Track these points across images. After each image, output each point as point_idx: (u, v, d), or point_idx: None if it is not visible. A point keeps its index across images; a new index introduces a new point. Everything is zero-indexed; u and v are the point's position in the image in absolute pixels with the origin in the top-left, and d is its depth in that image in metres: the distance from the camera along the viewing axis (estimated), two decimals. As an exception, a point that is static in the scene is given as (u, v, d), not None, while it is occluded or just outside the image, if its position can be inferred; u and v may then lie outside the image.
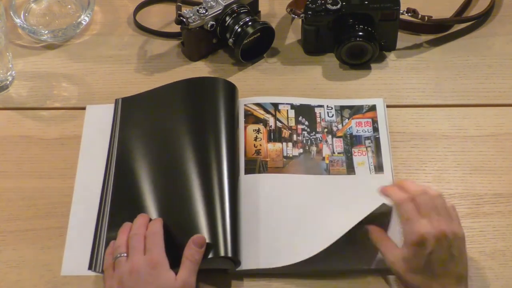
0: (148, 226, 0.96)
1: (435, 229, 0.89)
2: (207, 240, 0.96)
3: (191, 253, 0.93)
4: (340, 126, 1.12)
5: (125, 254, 0.93)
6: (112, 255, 0.94)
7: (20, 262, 1.00)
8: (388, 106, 1.15)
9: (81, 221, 1.03)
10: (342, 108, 1.14)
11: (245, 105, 1.13)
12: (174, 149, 1.06)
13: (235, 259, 0.96)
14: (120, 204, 1.03)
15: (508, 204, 1.05)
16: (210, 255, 0.95)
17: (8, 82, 1.19)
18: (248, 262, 0.98)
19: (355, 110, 1.13)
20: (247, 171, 1.06)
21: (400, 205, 0.92)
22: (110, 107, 1.14)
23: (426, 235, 0.89)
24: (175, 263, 0.93)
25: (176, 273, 0.92)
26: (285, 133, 1.11)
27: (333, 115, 1.13)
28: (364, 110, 1.13)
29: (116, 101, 1.15)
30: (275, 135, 1.10)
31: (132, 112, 1.13)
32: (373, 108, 1.13)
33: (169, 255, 0.93)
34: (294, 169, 1.07)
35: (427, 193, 0.92)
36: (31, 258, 1.01)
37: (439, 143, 1.11)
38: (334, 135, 1.11)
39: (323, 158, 1.08)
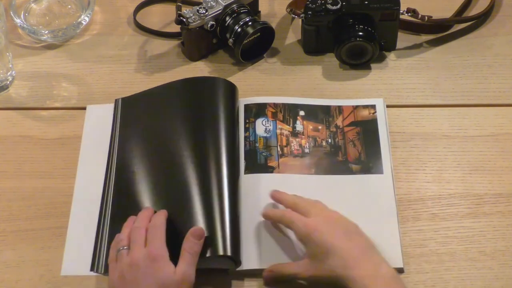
0: (151, 219, 0.96)
1: (320, 218, 0.95)
2: (207, 239, 0.96)
3: (190, 245, 0.93)
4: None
5: (127, 247, 0.93)
6: (115, 248, 0.95)
7: (20, 262, 1.00)
8: (388, 106, 1.15)
9: (81, 221, 1.03)
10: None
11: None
12: (175, 148, 1.06)
13: (235, 258, 0.96)
14: (121, 206, 1.03)
15: (508, 204, 1.05)
16: (210, 254, 0.95)
17: (8, 82, 1.19)
18: (248, 262, 0.98)
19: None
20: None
21: (281, 218, 0.98)
22: (110, 107, 1.14)
23: (313, 223, 0.94)
24: (176, 259, 0.93)
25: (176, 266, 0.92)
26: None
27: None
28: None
29: (116, 101, 1.15)
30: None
31: (132, 112, 1.13)
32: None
33: (170, 252, 0.93)
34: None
35: (295, 199, 1.00)
36: (31, 258, 1.01)
37: (439, 143, 1.11)
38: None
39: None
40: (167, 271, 0.91)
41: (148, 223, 0.96)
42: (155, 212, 0.98)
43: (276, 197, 1.01)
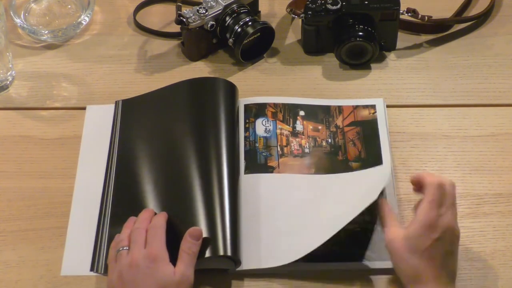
0: (151, 220, 0.96)
1: (450, 222, 0.91)
2: (207, 239, 0.96)
3: (188, 246, 0.93)
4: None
5: (127, 248, 0.93)
6: (115, 249, 0.95)
7: (20, 262, 1.00)
8: (388, 106, 1.15)
9: (81, 221, 1.03)
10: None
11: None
12: (175, 149, 1.06)
13: (235, 259, 0.96)
14: (121, 207, 1.03)
15: (508, 204, 1.05)
16: (210, 254, 0.95)
17: (8, 82, 1.19)
18: (248, 262, 0.98)
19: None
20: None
21: (431, 184, 0.92)
22: (110, 108, 1.14)
23: (441, 222, 0.90)
24: (176, 260, 0.93)
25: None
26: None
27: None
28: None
29: (116, 103, 1.15)
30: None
31: (133, 114, 1.13)
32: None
33: (170, 252, 0.93)
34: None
35: (454, 187, 0.94)
36: (31, 258, 1.01)
37: (439, 143, 1.11)
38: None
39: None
40: (166, 272, 0.91)
41: (149, 224, 0.96)
42: (155, 213, 0.98)
43: (419, 177, 0.96)
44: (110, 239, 0.98)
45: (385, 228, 0.95)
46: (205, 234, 0.96)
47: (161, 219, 0.96)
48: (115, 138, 1.10)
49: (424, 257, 0.90)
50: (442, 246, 0.90)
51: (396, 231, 0.93)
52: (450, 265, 0.92)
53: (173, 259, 0.93)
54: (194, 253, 0.93)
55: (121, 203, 1.03)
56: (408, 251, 0.91)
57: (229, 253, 0.95)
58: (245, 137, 1.10)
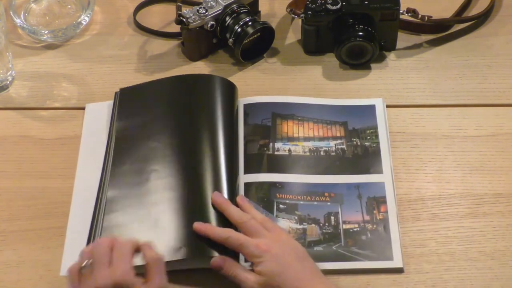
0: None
1: (270, 240, 0.93)
2: (205, 240, 0.96)
3: (151, 255, 0.87)
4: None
5: (90, 264, 0.84)
6: (79, 262, 0.86)
7: (20, 262, 1.00)
8: (388, 106, 1.15)
9: (80, 221, 1.02)
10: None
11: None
12: (171, 147, 1.06)
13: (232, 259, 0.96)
14: (114, 204, 1.02)
15: (508, 204, 1.05)
16: (206, 254, 0.95)
17: (8, 82, 1.19)
18: (246, 263, 0.97)
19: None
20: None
21: (226, 240, 0.94)
22: (109, 104, 1.14)
23: (264, 244, 0.92)
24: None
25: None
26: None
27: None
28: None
29: (116, 94, 1.15)
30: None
31: (130, 104, 1.12)
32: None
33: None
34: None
35: (243, 217, 0.96)
36: (31, 258, 1.01)
37: (439, 143, 1.11)
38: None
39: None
40: None
41: (114, 242, 0.86)
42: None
43: (221, 205, 0.98)
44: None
45: (239, 281, 0.93)
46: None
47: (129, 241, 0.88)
48: (112, 130, 1.09)
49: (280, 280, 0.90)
50: (279, 264, 0.91)
51: (249, 278, 0.92)
52: (304, 267, 0.92)
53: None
54: (159, 258, 0.87)
55: (114, 200, 1.02)
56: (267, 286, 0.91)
57: (227, 253, 0.95)
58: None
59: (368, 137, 1.10)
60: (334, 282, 0.97)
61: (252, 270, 0.93)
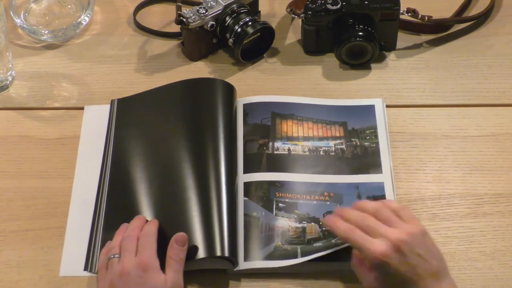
0: (142, 228, 0.96)
1: (390, 242, 0.86)
2: (204, 240, 0.96)
3: (175, 253, 0.93)
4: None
5: (118, 255, 0.93)
6: (106, 256, 0.94)
7: (20, 262, 1.00)
8: (388, 106, 1.15)
9: (79, 221, 1.03)
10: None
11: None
12: (170, 149, 1.06)
13: (232, 259, 0.96)
14: (115, 205, 1.02)
15: (508, 204, 1.05)
16: (207, 255, 0.95)
17: (8, 82, 1.19)
18: (246, 262, 0.98)
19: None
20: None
21: (346, 238, 0.90)
22: (108, 108, 1.14)
23: (383, 254, 0.86)
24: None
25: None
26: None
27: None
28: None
29: (112, 102, 1.15)
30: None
31: (128, 113, 1.13)
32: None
33: (164, 256, 0.93)
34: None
35: (365, 209, 0.91)
36: (31, 258, 1.01)
37: (439, 143, 1.11)
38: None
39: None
40: (158, 281, 0.90)
41: (140, 232, 0.95)
42: (147, 221, 0.98)
43: (340, 214, 0.93)
44: (104, 239, 0.98)
45: (359, 276, 0.91)
46: (202, 234, 0.96)
47: (152, 226, 0.95)
48: (110, 137, 1.10)
49: (401, 283, 0.86)
50: (407, 263, 0.86)
51: (368, 277, 0.89)
52: (428, 268, 0.86)
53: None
54: (181, 259, 0.93)
55: (115, 204, 1.03)
56: None
57: (226, 253, 0.95)
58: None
59: (368, 137, 1.10)
60: (333, 282, 0.97)
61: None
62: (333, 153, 1.09)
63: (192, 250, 0.96)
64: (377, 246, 0.86)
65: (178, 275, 0.92)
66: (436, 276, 0.87)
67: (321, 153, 1.09)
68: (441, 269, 0.88)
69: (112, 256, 0.93)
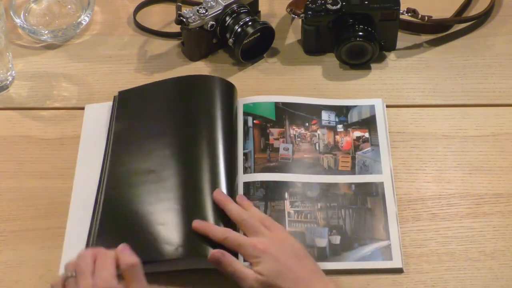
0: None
1: (267, 239, 0.93)
2: (202, 240, 0.95)
3: (127, 261, 0.85)
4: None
5: (74, 274, 0.85)
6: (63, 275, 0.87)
7: (20, 262, 1.00)
8: (388, 106, 1.15)
9: (79, 221, 1.02)
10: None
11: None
12: (169, 147, 1.06)
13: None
14: (113, 205, 1.02)
15: (508, 204, 1.05)
16: (204, 254, 0.95)
17: (8, 82, 1.19)
18: (245, 262, 0.97)
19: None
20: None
21: (224, 240, 0.94)
22: (108, 105, 1.14)
23: (261, 244, 0.92)
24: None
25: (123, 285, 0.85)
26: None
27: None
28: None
29: (114, 98, 1.15)
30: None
31: (129, 106, 1.12)
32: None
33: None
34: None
35: (242, 215, 0.97)
36: (31, 258, 1.01)
37: (439, 143, 1.11)
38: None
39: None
40: None
41: (97, 252, 0.86)
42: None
43: (222, 203, 0.98)
44: (100, 239, 0.97)
45: (238, 279, 0.92)
46: (200, 233, 0.96)
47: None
48: (111, 132, 1.10)
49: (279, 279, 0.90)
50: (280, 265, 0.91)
51: (248, 275, 0.92)
52: (305, 268, 0.92)
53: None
54: (136, 264, 0.85)
55: (113, 201, 1.02)
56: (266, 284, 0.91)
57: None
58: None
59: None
60: (334, 282, 0.96)
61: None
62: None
63: (191, 249, 0.95)
64: (257, 239, 0.94)
65: (141, 284, 0.85)
66: (312, 273, 0.92)
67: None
68: (315, 269, 0.93)
69: (69, 274, 0.85)
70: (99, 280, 0.83)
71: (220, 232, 0.95)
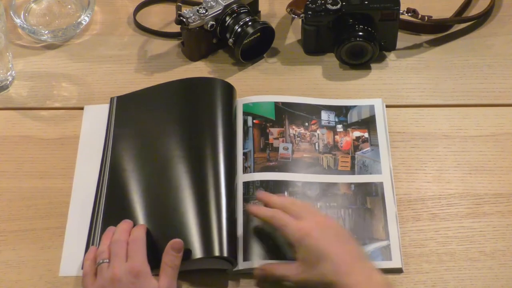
0: (131, 232, 0.95)
1: (313, 222, 0.93)
2: (203, 240, 0.96)
3: (170, 259, 0.92)
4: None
5: (108, 260, 0.92)
6: (93, 261, 0.93)
7: (20, 262, 1.00)
8: (388, 106, 1.15)
9: (79, 221, 1.03)
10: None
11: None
12: (169, 149, 1.06)
13: (231, 259, 0.96)
14: (113, 205, 1.02)
15: (508, 204, 1.05)
16: (206, 255, 0.95)
17: (8, 82, 1.19)
18: (245, 262, 0.97)
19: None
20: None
21: (271, 218, 0.95)
22: (107, 107, 1.14)
23: (307, 227, 0.92)
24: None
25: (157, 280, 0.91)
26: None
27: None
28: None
29: (111, 100, 1.15)
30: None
31: (127, 111, 1.13)
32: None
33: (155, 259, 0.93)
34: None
35: (286, 201, 0.97)
36: (31, 258, 1.01)
37: (439, 143, 1.11)
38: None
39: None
40: (150, 287, 0.89)
41: (128, 237, 0.94)
42: (134, 225, 0.97)
43: (264, 198, 0.99)
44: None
45: (283, 276, 0.94)
46: (201, 234, 0.96)
47: (141, 231, 0.95)
48: (109, 136, 1.10)
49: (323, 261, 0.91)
50: (327, 239, 0.92)
51: (290, 268, 0.93)
52: (350, 246, 0.93)
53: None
54: (176, 266, 0.92)
55: (113, 203, 1.03)
56: (310, 270, 0.91)
57: (225, 254, 0.95)
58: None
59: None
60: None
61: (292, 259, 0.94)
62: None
63: (191, 249, 0.95)
64: (302, 222, 0.93)
65: (172, 281, 0.91)
66: (352, 257, 0.91)
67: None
68: (362, 252, 0.95)
69: (101, 261, 0.92)
70: (133, 262, 0.90)
71: (269, 211, 0.96)
